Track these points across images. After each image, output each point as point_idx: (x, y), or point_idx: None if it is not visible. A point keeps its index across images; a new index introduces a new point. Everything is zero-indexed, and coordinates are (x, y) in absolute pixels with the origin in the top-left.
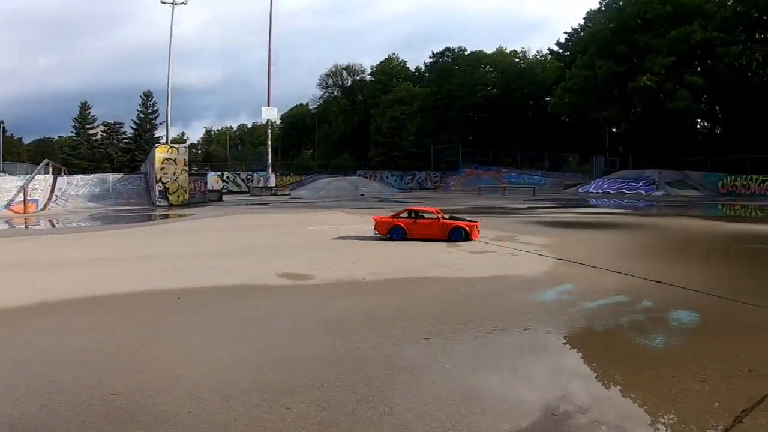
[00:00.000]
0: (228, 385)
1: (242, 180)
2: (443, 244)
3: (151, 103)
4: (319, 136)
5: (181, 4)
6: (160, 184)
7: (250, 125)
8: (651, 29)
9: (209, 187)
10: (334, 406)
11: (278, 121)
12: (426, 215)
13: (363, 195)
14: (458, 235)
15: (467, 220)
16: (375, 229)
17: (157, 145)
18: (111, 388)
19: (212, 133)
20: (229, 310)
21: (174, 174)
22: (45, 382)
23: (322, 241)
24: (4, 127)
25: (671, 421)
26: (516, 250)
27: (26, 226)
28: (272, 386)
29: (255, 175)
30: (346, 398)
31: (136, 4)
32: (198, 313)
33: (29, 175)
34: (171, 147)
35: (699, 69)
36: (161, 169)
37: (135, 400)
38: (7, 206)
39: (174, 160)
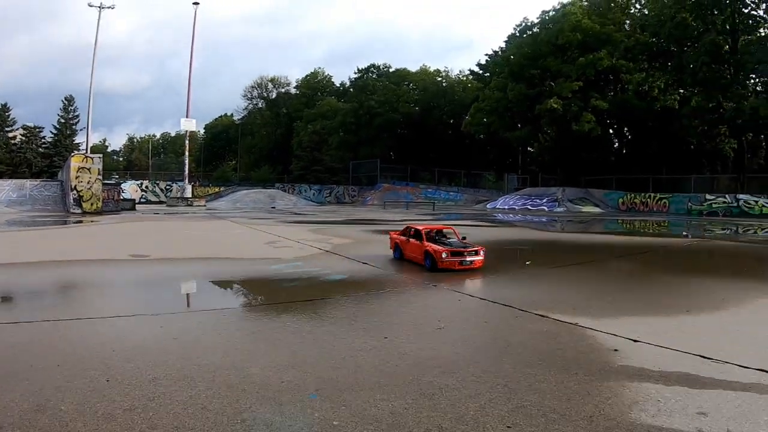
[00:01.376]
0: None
1: (161, 190)
2: (260, 241)
3: (73, 108)
4: (242, 148)
5: (109, 8)
6: (74, 191)
7: (173, 134)
8: (563, 55)
9: (128, 196)
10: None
11: (201, 131)
12: (422, 235)
13: (274, 208)
14: (427, 260)
15: (452, 245)
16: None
17: (73, 153)
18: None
19: (135, 140)
20: (88, 268)
21: (88, 183)
22: None
23: (185, 238)
24: None
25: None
26: (310, 245)
27: None
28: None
29: (174, 185)
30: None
31: (64, 2)
32: (61, 269)
33: None
34: (86, 156)
35: (611, 94)
36: (76, 177)
37: None
38: None
39: (89, 169)
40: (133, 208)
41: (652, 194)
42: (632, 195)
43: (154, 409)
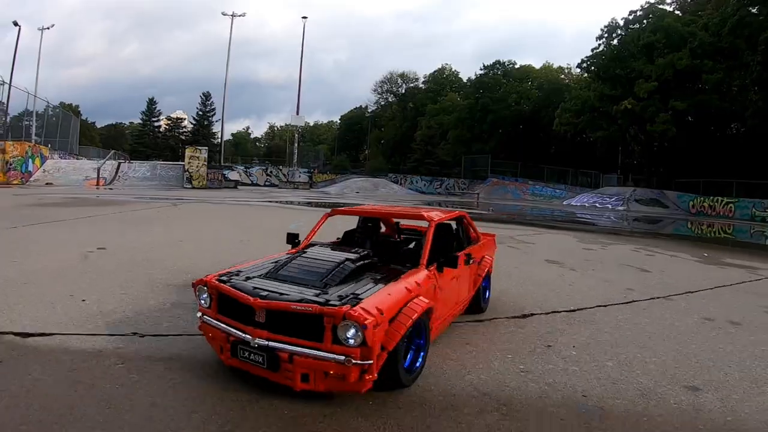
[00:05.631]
0: None
1: (284, 175)
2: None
3: (210, 102)
4: (372, 139)
5: (240, 16)
6: (187, 173)
7: (312, 123)
8: (646, 55)
9: (255, 180)
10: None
11: (337, 121)
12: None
13: (359, 193)
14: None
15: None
16: None
17: (187, 146)
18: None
19: (275, 128)
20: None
21: (197, 167)
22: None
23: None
24: (79, 111)
25: None
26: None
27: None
28: None
29: (297, 171)
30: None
31: (224, 3)
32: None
33: (102, 160)
34: (196, 148)
35: (692, 94)
36: (188, 162)
37: None
38: (85, 179)
39: (198, 157)
40: (234, 187)
41: (720, 198)
42: (702, 198)
43: None
